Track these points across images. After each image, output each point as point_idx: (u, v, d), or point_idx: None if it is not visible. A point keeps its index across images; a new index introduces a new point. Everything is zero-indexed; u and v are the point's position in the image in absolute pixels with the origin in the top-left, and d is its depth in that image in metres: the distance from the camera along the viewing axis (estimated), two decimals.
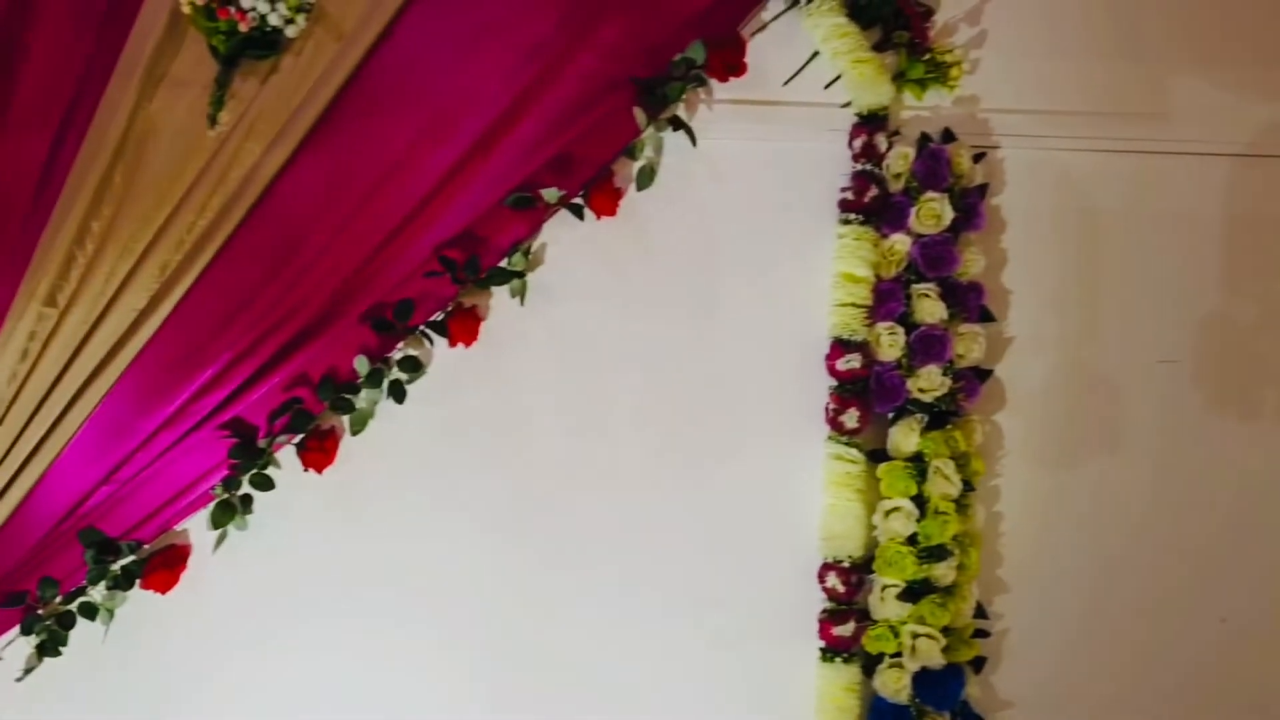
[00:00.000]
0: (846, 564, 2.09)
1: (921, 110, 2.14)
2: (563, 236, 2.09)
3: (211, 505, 2.02)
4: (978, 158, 2.11)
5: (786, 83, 2.10)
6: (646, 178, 2.08)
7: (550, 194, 2.02)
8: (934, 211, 2.03)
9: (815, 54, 2.08)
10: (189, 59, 1.99)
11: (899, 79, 2.09)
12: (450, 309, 2.05)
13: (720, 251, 2.13)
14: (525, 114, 2.02)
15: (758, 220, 2.13)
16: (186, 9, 1.92)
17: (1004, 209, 2.16)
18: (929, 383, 2.04)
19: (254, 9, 1.92)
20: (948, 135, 2.12)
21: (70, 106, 1.96)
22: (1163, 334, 2.19)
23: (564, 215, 2.06)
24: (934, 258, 2.04)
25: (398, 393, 2.05)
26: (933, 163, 2.04)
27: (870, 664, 2.11)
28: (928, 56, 2.07)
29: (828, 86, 2.09)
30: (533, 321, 2.09)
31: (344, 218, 2.02)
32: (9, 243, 1.96)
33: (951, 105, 2.12)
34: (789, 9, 2.07)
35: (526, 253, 2.07)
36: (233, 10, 1.92)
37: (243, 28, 1.92)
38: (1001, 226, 2.16)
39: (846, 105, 2.10)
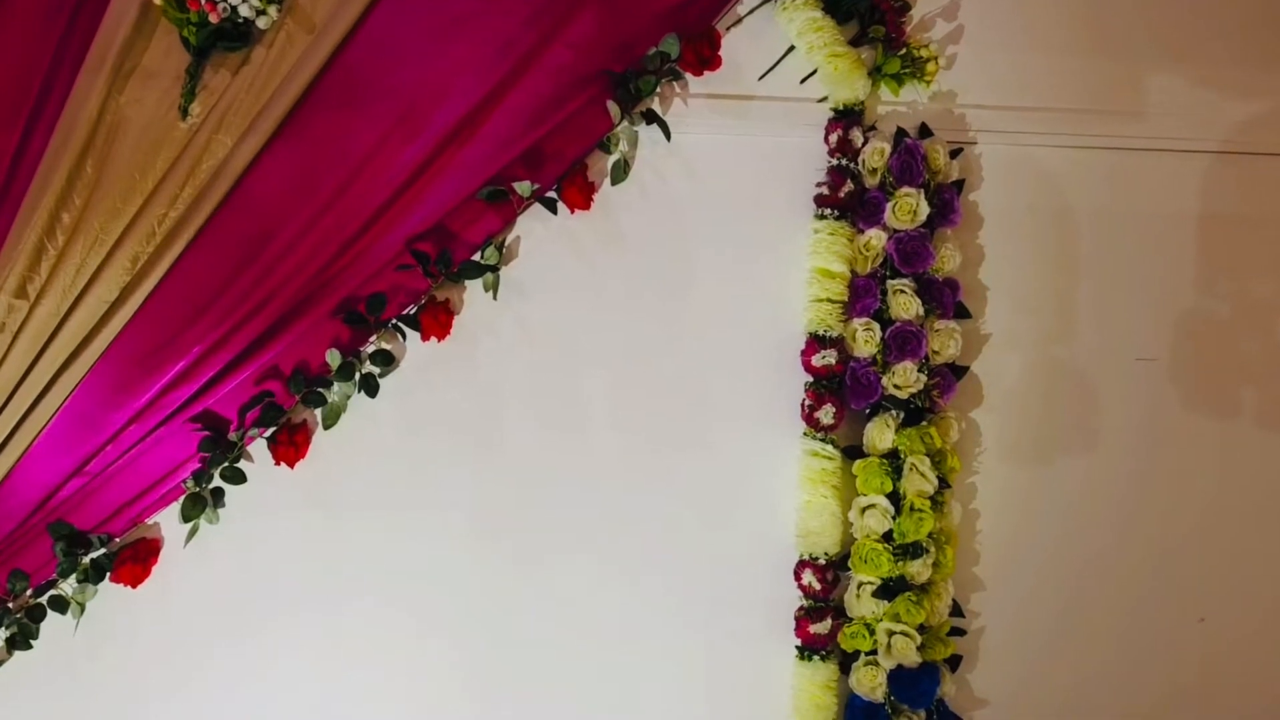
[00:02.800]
0: (822, 561, 2.09)
1: (898, 106, 2.12)
2: (536, 230, 2.07)
3: (182, 499, 2.01)
4: (954, 153, 2.10)
5: (762, 77, 2.09)
6: (620, 172, 2.06)
7: (523, 187, 2.00)
8: (909, 207, 2.02)
9: (791, 48, 2.06)
10: (160, 50, 1.98)
11: (875, 74, 2.08)
12: (423, 302, 2.04)
13: (694, 246, 2.12)
14: (498, 108, 2.01)
15: (732, 215, 2.11)
16: (158, 0, 1.92)
17: (981, 205, 2.15)
18: (904, 379, 2.03)
19: (225, 1, 1.92)
20: (924, 131, 2.11)
21: (40, 97, 1.95)
22: (1140, 331, 2.19)
23: (537, 209, 2.05)
24: (909, 253, 2.03)
25: (370, 387, 2.04)
26: (908, 158, 2.03)
27: (847, 662, 2.11)
28: (904, 52, 2.06)
29: (803, 81, 2.08)
30: (506, 316, 2.08)
31: (316, 211, 2.00)
32: None
33: (928, 101, 2.11)
34: (764, 3, 2.06)
35: (500, 247, 2.05)
36: (203, 2, 1.91)
37: (213, 19, 1.91)
38: (978, 223, 2.15)
39: (822, 100, 2.09)
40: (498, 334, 2.09)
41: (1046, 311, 2.17)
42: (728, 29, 2.08)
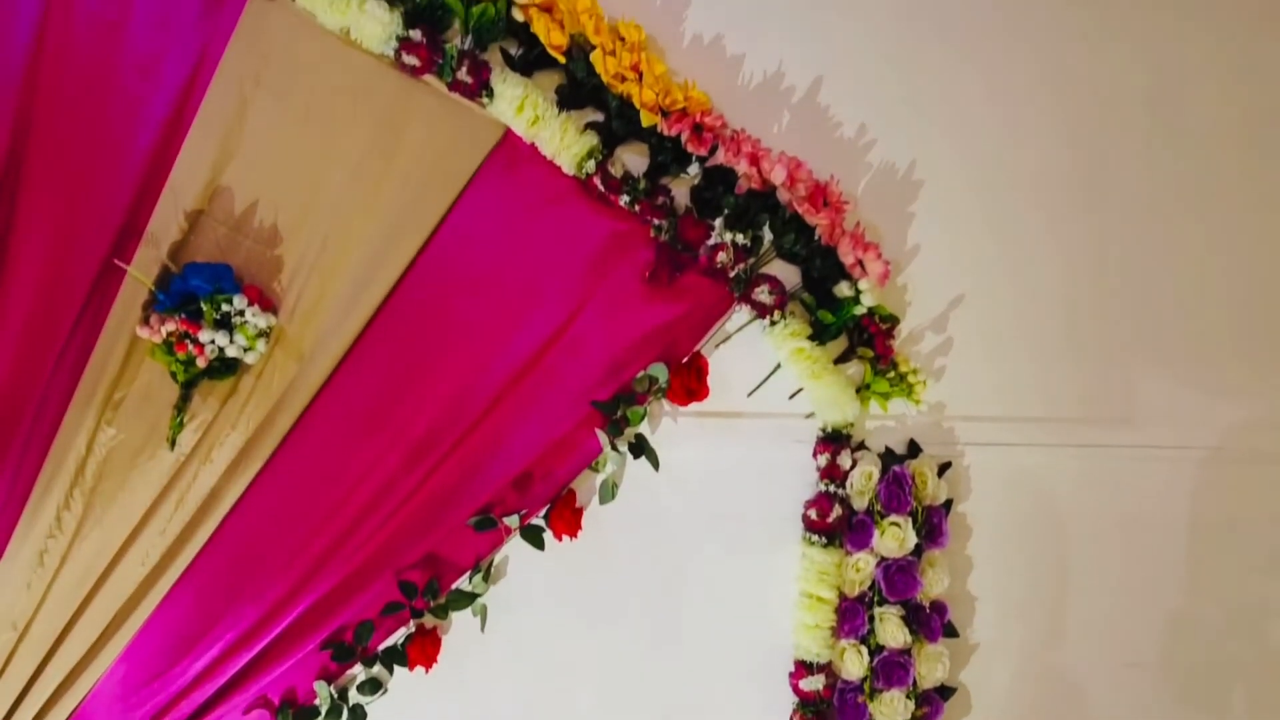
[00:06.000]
0: None
1: (887, 420, 2.12)
2: (524, 547, 2.07)
3: None
4: (943, 469, 2.10)
5: (750, 394, 2.09)
6: (609, 493, 2.06)
7: (512, 520, 2.01)
8: (897, 536, 2.02)
9: (778, 366, 2.06)
10: (147, 381, 1.97)
11: (864, 390, 2.08)
12: (411, 632, 2.04)
13: (683, 561, 2.12)
14: (476, 437, 2.02)
15: (721, 530, 2.11)
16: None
17: (969, 515, 2.15)
18: (891, 709, 2.03)
19: (212, 342, 1.92)
20: (913, 448, 2.11)
21: (29, 430, 1.96)
22: (1129, 636, 2.19)
23: None
24: (897, 583, 2.03)
25: (358, 716, 2.04)
26: (896, 487, 2.03)
27: None
28: (891, 372, 2.06)
29: (792, 397, 2.08)
30: (495, 633, 2.08)
31: (305, 536, 2.01)
32: None
33: (917, 413, 2.11)
34: (752, 321, 2.06)
35: (487, 574, 2.05)
36: (190, 346, 1.91)
37: (201, 363, 1.92)
38: (967, 533, 2.15)
39: (810, 416, 2.09)
40: (486, 652, 2.09)
41: (1035, 618, 2.17)
42: (716, 346, 2.08)
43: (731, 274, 2.00)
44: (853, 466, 2.06)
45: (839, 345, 2.09)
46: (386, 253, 1.97)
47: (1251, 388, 2.18)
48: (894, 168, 2.08)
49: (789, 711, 2.10)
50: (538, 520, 2.05)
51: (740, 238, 1.99)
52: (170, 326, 1.89)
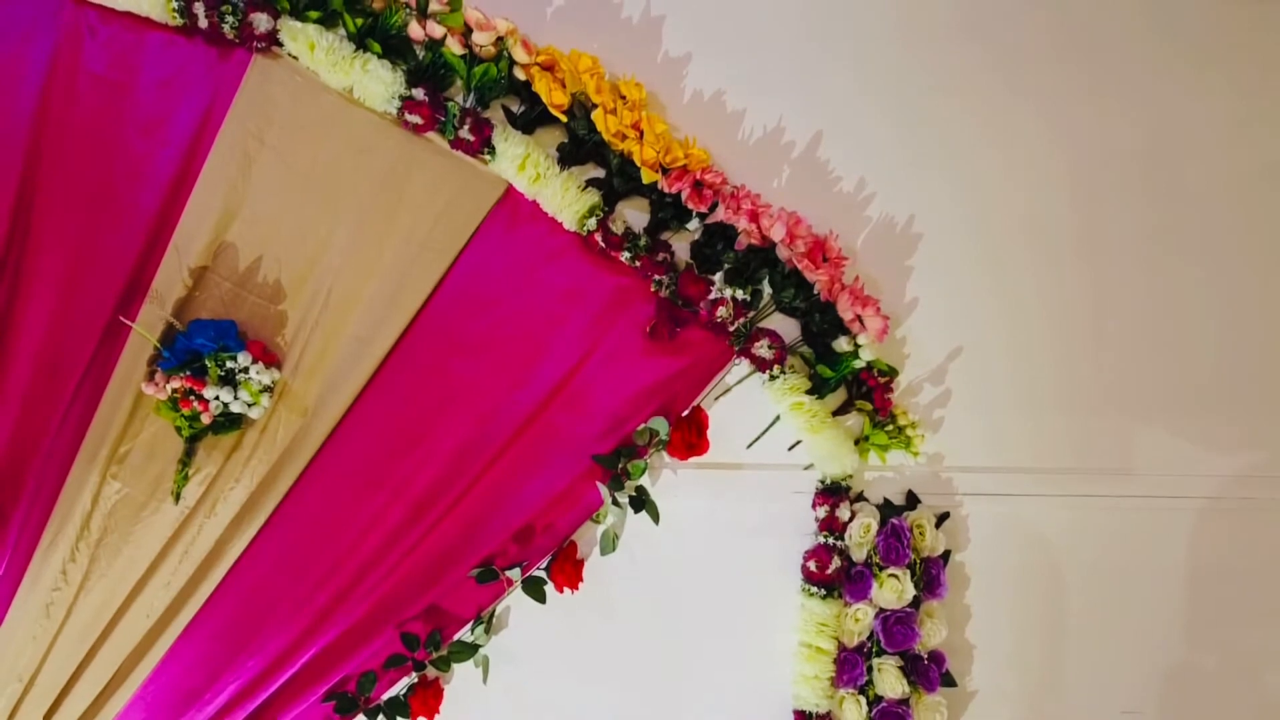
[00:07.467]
0: None
1: (885, 471, 2.14)
2: (524, 599, 2.08)
3: None
4: (940, 519, 2.12)
5: (750, 445, 2.10)
6: (610, 544, 2.08)
7: (513, 572, 2.03)
8: (895, 588, 2.04)
9: (777, 419, 2.08)
10: (152, 435, 1.99)
11: (863, 441, 2.10)
12: (413, 682, 2.06)
13: (683, 611, 2.14)
14: (478, 491, 2.04)
15: (721, 580, 2.13)
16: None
17: (967, 565, 2.16)
18: None
19: (216, 398, 1.93)
20: (911, 499, 2.12)
21: (35, 486, 1.97)
22: (1127, 686, 2.20)
23: None
24: (895, 634, 2.04)
25: None
26: (894, 540, 2.05)
27: None
28: (890, 426, 2.07)
29: (791, 449, 2.10)
30: (495, 685, 2.09)
31: (306, 591, 2.03)
32: None
33: (915, 464, 2.12)
34: (751, 375, 2.07)
35: (488, 625, 2.07)
36: (195, 403, 1.93)
37: (206, 419, 1.93)
38: (964, 583, 2.17)
39: (809, 467, 2.11)
40: (489, 702, 2.10)
41: (1033, 668, 2.19)
42: (716, 398, 2.10)
43: (731, 328, 2.02)
44: (851, 518, 2.08)
45: (838, 398, 2.10)
46: (389, 309, 1.99)
47: (1245, 438, 2.20)
48: (893, 221, 2.10)
49: None
50: (539, 572, 2.07)
51: (740, 293, 2.01)
52: (175, 384, 1.91)
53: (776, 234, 1.98)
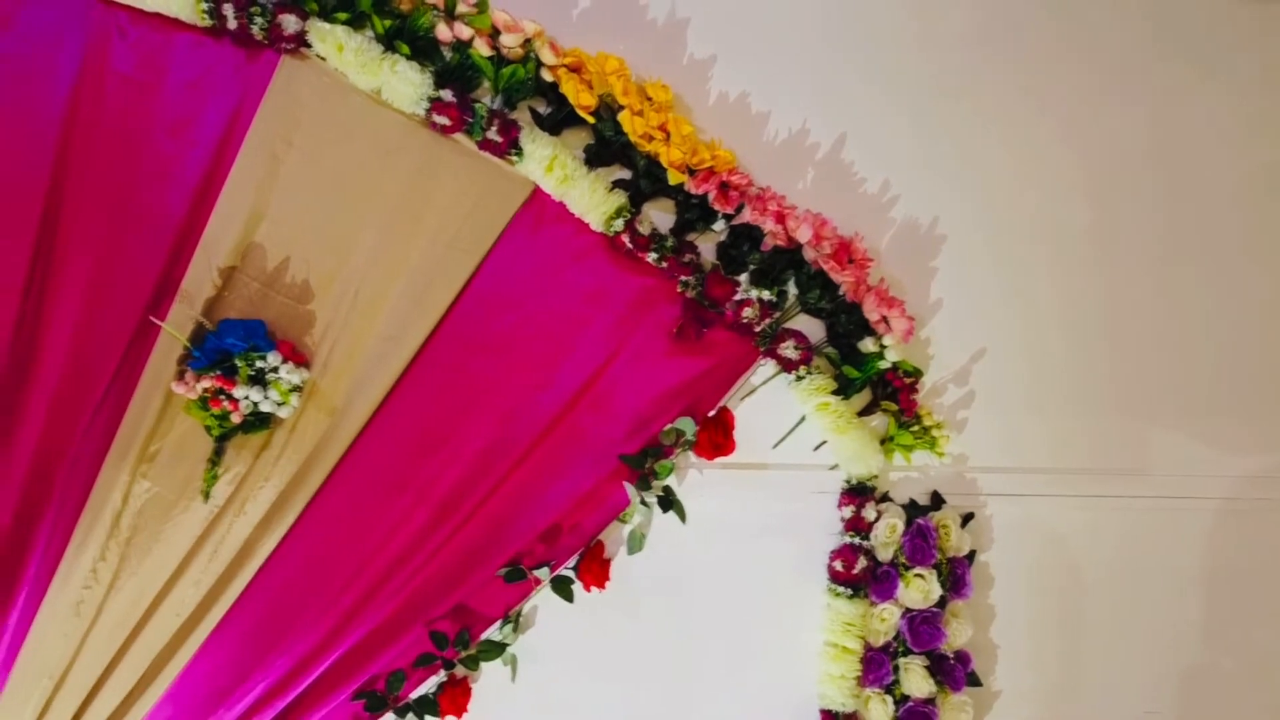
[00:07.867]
0: None
1: (910, 471, 2.15)
2: (552, 597, 2.09)
3: None
4: (966, 520, 2.13)
5: (776, 446, 2.11)
6: (636, 543, 2.09)
7: (541, 572, 2.04)
8: (922, 588, 2.05)
9: (803, 419, 2.09)
10: (181, 434, 2.00)
11: (888, 442, 2.10)
12: (442, 681, 2.07)
13: (708, 611, 2.14)
14: (505, 490, 2.05)
15: (747, 580, 2.14)
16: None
17: (991, 565, 2.18)
18: None
19: (246, 398, 1.94)
20: (936, 499, 2.13)
21: (65, 485, 1.98)
22: (1148, 686, 2.21)
23: None
24: (921, 634, 2.05)
25: None
26: (920, 540, 2.05)
27: None
28: (915, 426, 2.08)
29: (817, 449, 2.10)
30: (523, 683, 2.10)
31: (335, 590, 2.04)
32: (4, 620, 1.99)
33: (940, 464, 2.13)
34: (777, 375, 2.08)
35: (516, 624, 2.08)
36: (225, 402, 1.94)
37: (235, 419, 1.94)
38: (989, 583, 2.18)
39: (835, 468, 2.11)
40: (517, 701, 2.11)
41: (1054, 668, 2.20)
42: (742, 399, 2.10)
43: (757, 329, 2.03)
44: (877, 518, 2.09)
45: (863, 398, 2.11)
46: (416, 309, 2.00)
47: (1263, 439, 2.21)
48: (917, 224, 2.11)
49: None
50: (566, 571, 2.08)
51: (766, 294, 2.01)
52: (206, 383, 1.92)
53: (803, 235, 1.98)
